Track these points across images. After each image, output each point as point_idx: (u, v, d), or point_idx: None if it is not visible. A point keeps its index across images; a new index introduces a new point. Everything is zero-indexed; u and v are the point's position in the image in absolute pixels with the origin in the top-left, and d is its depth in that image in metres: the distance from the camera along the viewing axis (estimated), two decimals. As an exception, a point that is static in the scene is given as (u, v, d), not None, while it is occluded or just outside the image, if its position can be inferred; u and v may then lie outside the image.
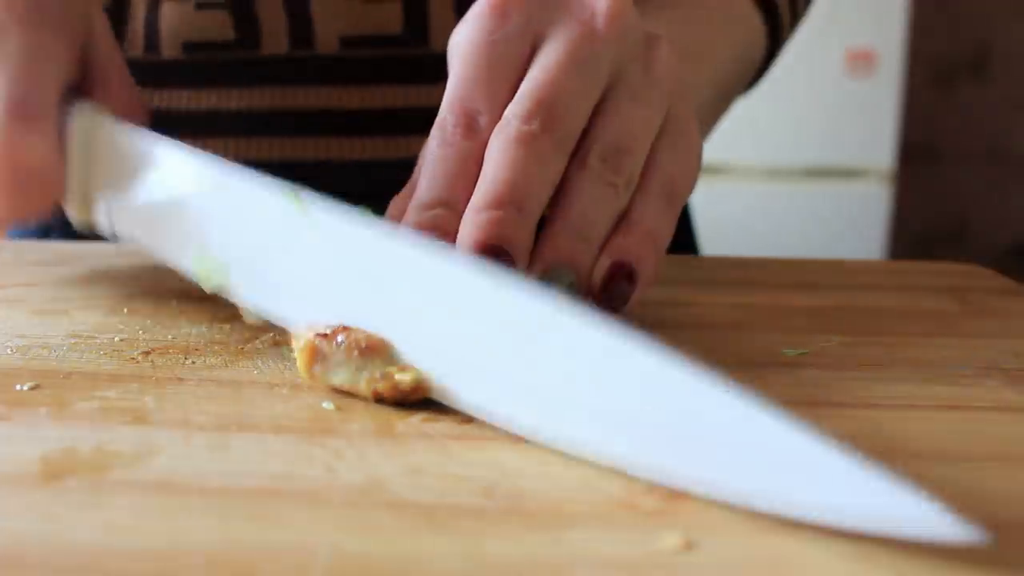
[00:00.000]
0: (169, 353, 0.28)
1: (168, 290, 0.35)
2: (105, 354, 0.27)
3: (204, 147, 0.48)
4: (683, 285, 0.38)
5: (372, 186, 0.47)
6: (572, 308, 0.21)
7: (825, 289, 0.38)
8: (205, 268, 0.27)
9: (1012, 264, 2.12)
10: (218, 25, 0.46)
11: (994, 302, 0.36)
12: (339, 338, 0.24)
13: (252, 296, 0.27)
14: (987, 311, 0.35)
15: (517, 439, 0.21)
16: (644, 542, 0.17)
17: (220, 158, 0.28)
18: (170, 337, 0.29)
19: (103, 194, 0.31)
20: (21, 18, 0.31)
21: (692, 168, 0.30)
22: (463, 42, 0.29)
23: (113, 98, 0.34)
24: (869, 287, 0.39)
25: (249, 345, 0.28)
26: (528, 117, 0.26)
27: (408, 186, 0.30)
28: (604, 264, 0.27)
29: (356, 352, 0.24)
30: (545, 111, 0.26)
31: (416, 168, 0.29)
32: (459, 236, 0.25)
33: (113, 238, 0.32)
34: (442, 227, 0.26)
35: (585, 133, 0.28)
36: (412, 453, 0.21)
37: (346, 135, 0.47)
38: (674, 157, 0.29)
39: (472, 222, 0.25)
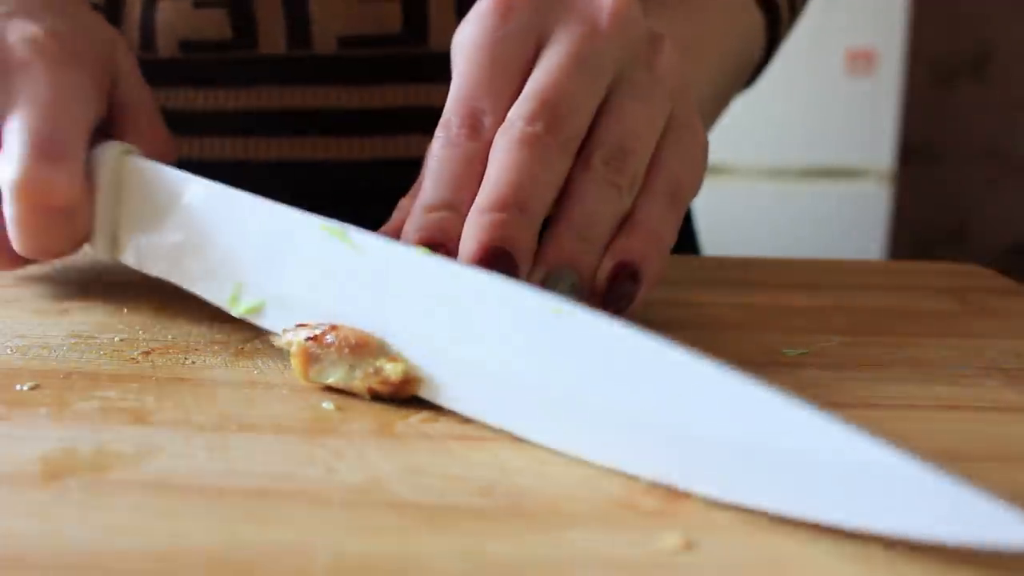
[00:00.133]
0: (169, 353, 0.28)
1: (168, 290, 0.35)
2: (105, 354, 0.27)
3: (201, 147, 0.48)
4: (683, 285, 0.38)
5: (371, 186, 0.47)
6: (572, 306, 0.21)
7: (825, 289, 0.38)
8: (240, 305, 0.27)
9: (1012, 264, 2.11)
10: (215, 24, 0.46)
11: (994, 302, 0.36)
12: (328, 338, 0.24)
13: (286, 326, 0.26)
14: (987, 311, 0.35)
15: (517, 439, 0.21)
16: (644, 542, 0.17)
17: (251, 194, 0.28)
18: (170, 337, 0.29)
19: (132, 232, 0.31)
20: (49, 57, 0.31)
21: (697, 167, 0.30)
22: (466, 41, 0.29)
23: (142, 137, 0.34)
24: (869, 287, 0.39)
25: (249, 345, 0.28)
26: (532, 118, 0.26)
27: (414, 188, 0.30)
28: (608, 265, 0.27)
29: (347, 350, 0.24)
30: (549, 112, 0.26)
31: (422, 169, 0.29)
32: (463, 238, 0.25)
33: (141, 273, 0.31)
34: (446, 229, 0.26)
35: (589, 133, 0.27)
36: (412, 453, 0.21)
37: (344, 135, 0.47)
38: (678, 156, 0.29)
39: (476, 224, 0.25)
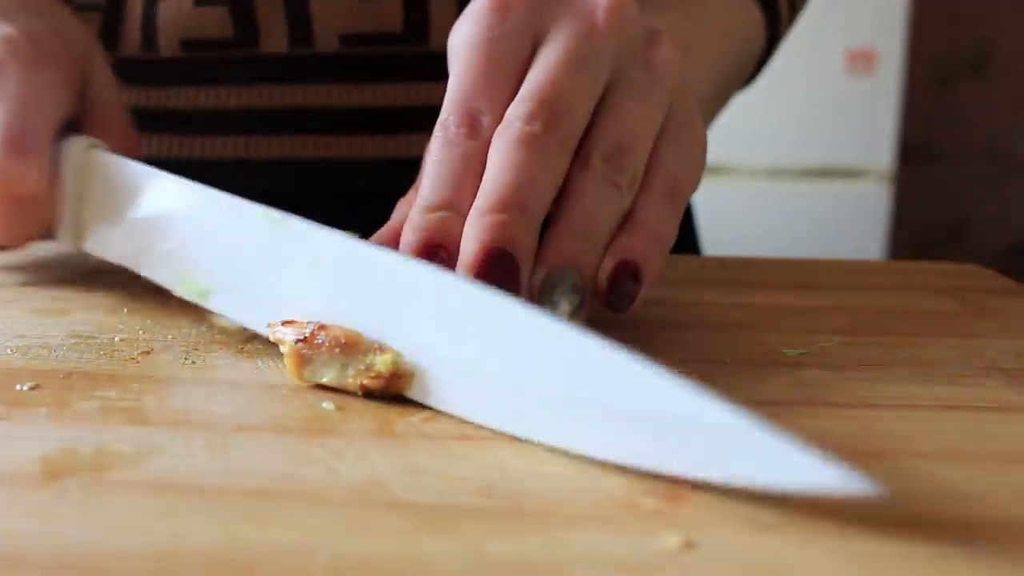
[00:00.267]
0: (169, 353, 0.28)
1: (168, 290, 0.35)
2: (105, 354, 0.27)
3: (203, 146, 0.48)
4: (683, 285, 0.38)
5: (372, 184, 0.47)
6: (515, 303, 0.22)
7: (825, 289, 0.38)
8: (188, 289, 0.29)
9: (1012, 264, 2.11)
10: (216, 23, 0.46)
11: (994, 302, 0.36)
12: (319, 338, 0.24)
13: (232, 311, 0.28)
14: (987, 311, 0.35)
15: (517, 439, 0.21)
16: (644, 542, 0.17)
17: (205, 186, 0.30)
18: (170, 337, 0.29)
19: (94, 221, 0.33)
20: (23, 57, 0.34)
21: (696, 164, 0.30)
22: (463, 40, 0.29)
23: (108, 133, 0.36)
24: (869, 287, 0.39)
25: (249, 345, 0.28)
26: (530, 118, 0.26)
27: (413, 188, 0.30)
28: (609, 264, 0.27)
29: (337, 349, 0.24)
30: (547, 111, 0.26)
31: (421, 170, 0.29)
32: (463, 239, 0.25)
33: (103, 261, 0.33)
34: (446, 230, 0.26)
35: (587, 132, 0.27)
36: (412, 453, 0.21)
37: (346, 133, 0.47)
38: (677, 154, 0.29)
39: (476, 225, 0.25)
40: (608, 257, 0.27)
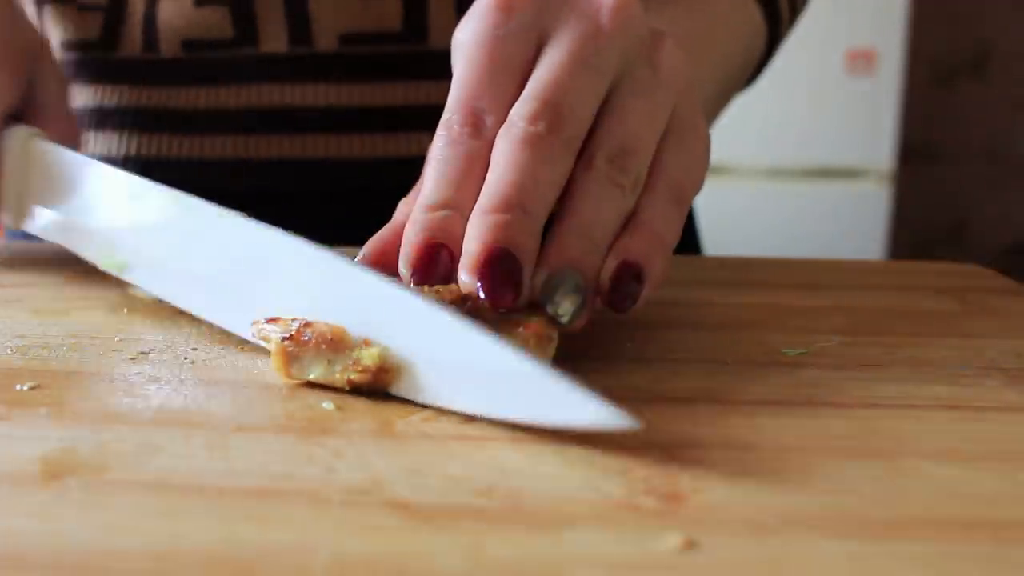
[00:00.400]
0: (169, 353, 0.28)
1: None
2: (105, 354, 0.27)
3: (203, 145, 0.48)
4: (683, 285, 0.38)
5: (372, 183, 0.47)
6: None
7: (825, 289, 0.38)
8: (109, 263, 0.32)
9: (1012, 264, 2.11)
10: (217, 23, 0.46)
11: (994, 302, 0.36)
12: (305, 335, 0.24)
13: (146, 283, 0.31)
14: (987, 311, 0.35)
15: (517, 439, 0.21)
16: (644, 542, 0.17)
17: (129, 173, 0.32)
18: (170, 337, 0.29)
19: (34, 204, 0.36)
20: None
21: (700, 166, 0.30)
22: (467, 40, 0.28)
23: (51, 125, 0.39)
24: (869, 287, 0.39)
25: (249, 345, 0.28)
26: (534, 118, 0.26)
27: (414, 189, 0.29)
28: (612, 265, 0.26)
29: (324, 346, 0.24)
30: (551, 112, 0.26)
31: (423, 169, 0.29)
32: (466, 238, 0.25)
33: (42, 239, 0.37)
34: (448, 229, 0.26)
35: (591, 133, 0.27)
36: (412, 453, 0.21)
37: (345, 133, 0.47)
38: (681, 156, 0.29)
39: (479, 225, 0.25)
40: (611, 258, 0.27)
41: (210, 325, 0.30)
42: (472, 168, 0.26)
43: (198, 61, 0.47)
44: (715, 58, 0.45)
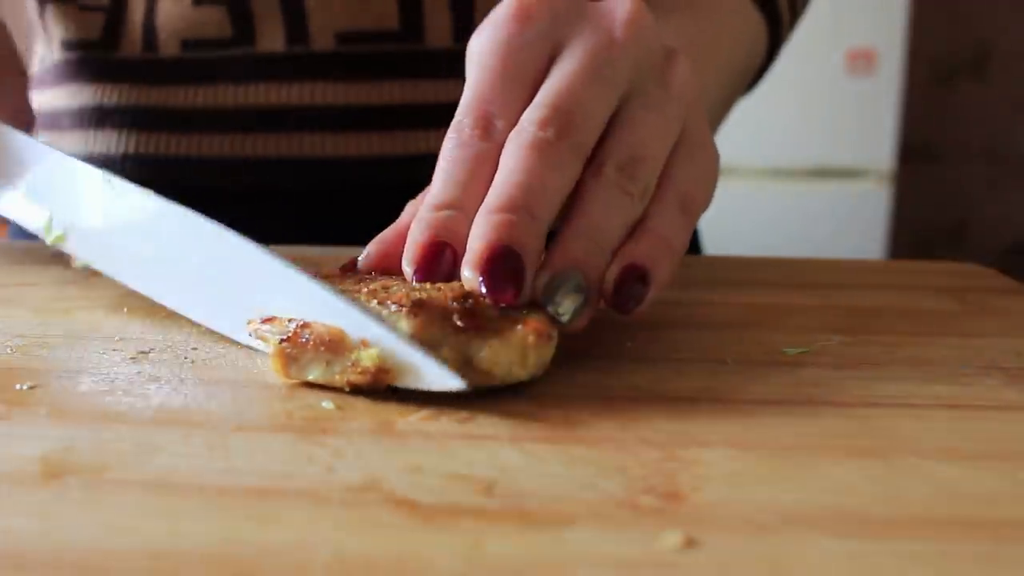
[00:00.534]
0: (169, 353, 0.28)
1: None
2: (105, 354, 0.27)
3: (201, 144, 0.48)
4: (684, 285, 0.38)
5: (369, 181, 0.47)
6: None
7: (825, 289, 0.38)
8: (50, 234, 0.34)
9: (1012, 264, 2.11)
10: (215, 22, 0.46)
11: (994, 301, 0.36)
12: (303, 337, 0.24)
13: (81, 252, 0.33)
14: (987, 310, 0.35)
15: (517, 438, 0.21)
16: (644, 542, 0.17)
17: (61, 152, 0.35)
18: (170, 337, 0.29)
19: None
20: None
21: (709, 181, 0.30)
22: (482, 47, 0.29)
23: (3, 108, 0.41)
24: (869, 287, 0.39)
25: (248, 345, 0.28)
26: (544, 123, 0.26)
27: (424, 191, 0.30)
28: (616, 268, 0.26)
29: (322, 347, 0.24)
30: (562, 118, 0.26)
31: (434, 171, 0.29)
32: (470, 237, 0.25)
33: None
34: (452, 228, 0.26)
35: (601, 142, 0.27)
36: (412, 452, 0.21)
37: (343, 131, 0.47)
38: (690, 169, 0.29)
39: (484, 223, 0.25)
40: (616, 262, 0.27)
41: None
42: (480, 170, 0.27)
43: (197, 60, 0.47)
44: (722, 65, 0.45)
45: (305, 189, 0.48)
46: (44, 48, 0.54)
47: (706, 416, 0.23)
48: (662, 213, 0.28)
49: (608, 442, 0.21)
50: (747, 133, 1.65)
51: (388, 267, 0.29)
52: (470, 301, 0.25)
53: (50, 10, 0.51)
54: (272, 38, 0.46)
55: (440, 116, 0.46)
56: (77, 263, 0.34)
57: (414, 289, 0.25)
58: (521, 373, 0.24)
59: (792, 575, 0.16)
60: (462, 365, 0.24)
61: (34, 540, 0.17)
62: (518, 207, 0.25)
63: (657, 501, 0.18)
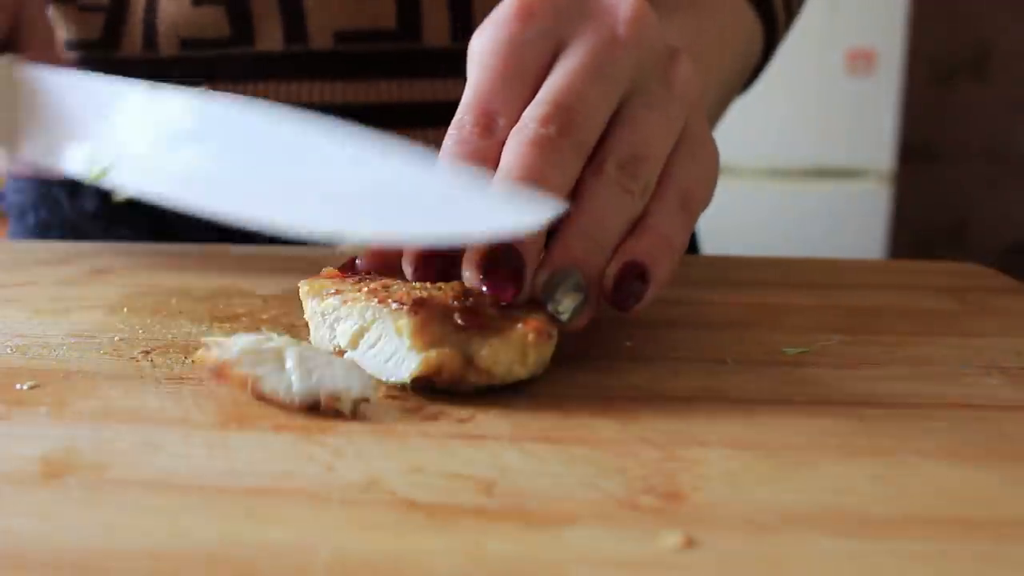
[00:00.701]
0: (169, 353, 0.28)
1: (168, 290, 0.35)
2: (105, 354, 0.27)
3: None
4: (684, 284, 0.38)
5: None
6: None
7: (825, 289, 0.38)
8: (93, 170, 0.33)
9: (1012, 263, 2.11)
10: (214, 22, 0.46)
11: (994, 301, 0.36)
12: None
13: (124, 181, 0.32)
14: (987, 310, 0.35)
15: (517, 438, 0.21)
16: (644, 541, 0.17)
17: (108, 78, 0.34)
18: (170, 337, 0.29)
19: (22, 129, 0.38)
20: None
21: (709, 179, 0.30)
22: (484, 45, 0.29)
23: (36, 50, 0.41)
24: (869, 286, 0.39)
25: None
26: (546, 120, 0.26)
27: None
28: (616, 265, 0.27)
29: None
30: (563, 115, 0.26)
31: None
32: None
33: (37, 164, 0.38)
34: None
35: (602, 140, 0.28)
36: (412, 451, 0.21)
37: None
38: (691, 168, 0.29)
39: None
40: (615, 259, 0.27)
41: (210, 324, 0.30)
42: (480, 167, 0.27)
43: (196, 60, 0.47)
44: (717, 67, 0.46)
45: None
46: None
47: (706, 416, 0.23)
48: (662, 211, 0.28)
49: (608, 442, 0.21)
50: (747, 133, 1.65)
51: (386, 265, 0.29)
52: (470, 300, 0.25)
53: (50, 11, 0.51)
54: (271, 37, 0.47)
55: (438, 115, 0.46)
56: (119, 197, 0.33)
57: (414, 288, 0.25)
58: (521, 371, 0.24)
59: (792, 575, 0.16)
60: (463, 363, 0.24)
61: (34, 539, 0.17)
62: None
63: (657, 501, 0.18)
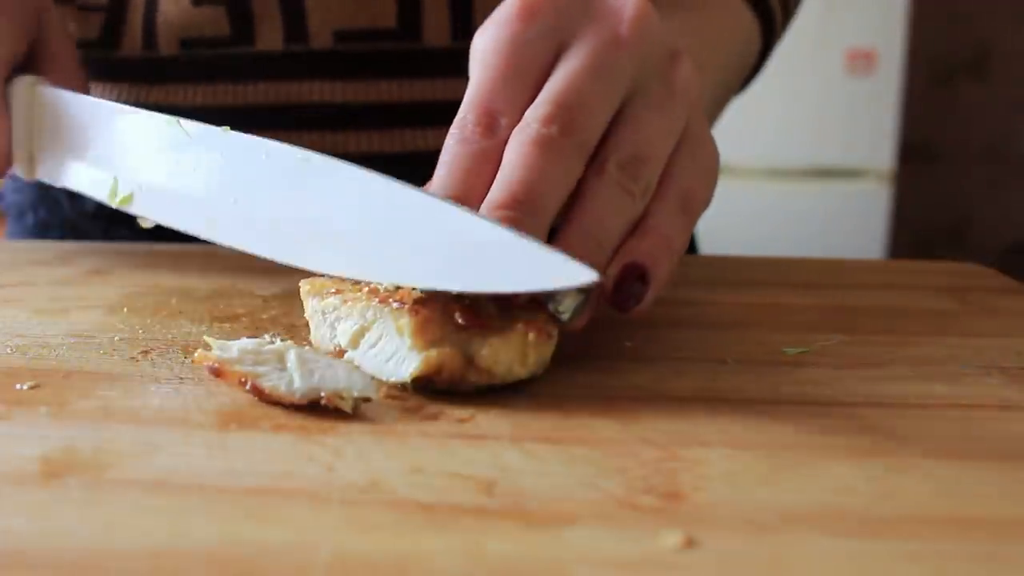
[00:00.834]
0: (169, 353, 0.28)
1: (168, 290, 0.35)
2: (105, 354, 0.27)
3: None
4: (684, 284, 0.38)
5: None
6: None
7: (825, 289, 0.38)
8: (115, 197, 0.33)
9: (1012, 263, 2.11)
10: (214, 21, 0.46)
11: (994, 301, 0.36)
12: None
13: (151, 211, 0.32)
14: (987, 310, 0.35)
15: (517, 438, 0.21)
16: (644, 541, 0.17)
17: (133, 108, 0.34)
18: (170, 337, 0.29)
19: (42, 151, 0.37)
20: None
21: (710, 180, 0.30)
22: (487, 44, 0.29)
23: (57, 72, 0.40)
24: (869, 287, 0.39)
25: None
26: (548, 120, 0.26)
27: (426, 187, 0.30)
28: (616, 265, 0.27)
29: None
30: (565, 115, 0.26)
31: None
32: None
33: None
34: None
35: (604, 140, 0.28)
36: (412, 451, 0.21)
37: (341, 129, 0.47)
38: (692, 169, 0.29)
39: None
40: (616, 260, 0.27)
41: (210, 324, 0.30)
42: (481, 166, 0.27)
43: (196, 59, 0.47)
44: (716, 67, 0.46)
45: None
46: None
47: (706, 416, 0.23)
48: (663, 212, 0.28)
49: (608, 442, 0.21)
50: (747, 133, 1.65)
51: None
52: (471, 298, 0.25)
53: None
54: (271, 37, 0.46)
55: (438, 114, 0.46)
56: (145, 223, 0.33)
57: (415, 288, 0.25)
58: (521, 371, 0.24)
59: (792, 575, 0.16)
60: (463, 363, 0.24)
61: (34, 539, 0.17)
62: (519, 202, 0.25)
63: (657, 501, 0.18)
